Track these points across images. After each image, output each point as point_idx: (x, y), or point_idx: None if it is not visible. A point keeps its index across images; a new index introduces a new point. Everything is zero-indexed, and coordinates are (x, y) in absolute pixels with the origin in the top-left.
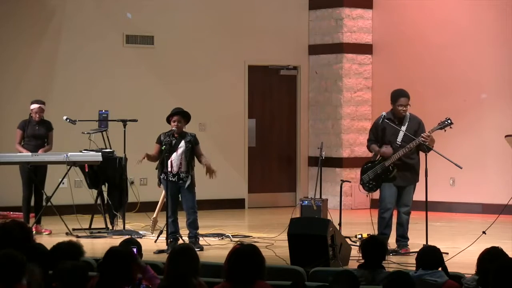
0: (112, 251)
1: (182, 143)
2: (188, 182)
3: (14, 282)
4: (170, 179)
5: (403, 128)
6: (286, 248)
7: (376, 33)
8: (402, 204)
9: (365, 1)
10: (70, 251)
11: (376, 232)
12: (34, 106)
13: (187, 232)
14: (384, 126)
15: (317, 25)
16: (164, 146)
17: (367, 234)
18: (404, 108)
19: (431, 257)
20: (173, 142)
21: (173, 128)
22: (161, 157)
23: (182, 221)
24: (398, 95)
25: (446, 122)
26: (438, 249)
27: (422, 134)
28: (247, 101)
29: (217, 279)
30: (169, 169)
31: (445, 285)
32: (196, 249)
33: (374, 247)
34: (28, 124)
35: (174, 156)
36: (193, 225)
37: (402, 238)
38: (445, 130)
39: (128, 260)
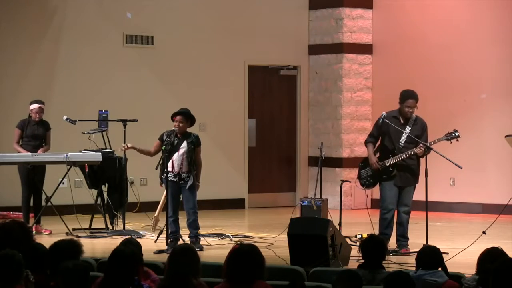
0: (117, 251)
1: (184, 144)
2: (189, 183)
3: (12, 283)
4: (171, 179)
5: (407, 129)
6: (286, 248)
7: (376, 33)
8: (402, 204)
9: (365, 1)
10: (69, 249)
11: (377, 232)
12: (34, 106)
13: (188, 232)
14: (385, 127)
15: (317, 25)
16: (164, 146)
17: (367, 234)
18: (411, 110)
19: (431, 257)
20: (175, 142)
21: (174, 128)
22: (161, 157)
23: (182, 221)
24: (407, 96)
25: (453, 134)
26: (438, 249)
27: (420, 146)
28: (247, 101)
29: (217, 279)
30: (170, 169)
31: (445, 285)
32: (196, 249)
33: (373, 247)
34: (27, 124)
35: (176, 156)
36: (193, 225)
37: (402, 238)
38: (451, 142)
39: (134, 262)
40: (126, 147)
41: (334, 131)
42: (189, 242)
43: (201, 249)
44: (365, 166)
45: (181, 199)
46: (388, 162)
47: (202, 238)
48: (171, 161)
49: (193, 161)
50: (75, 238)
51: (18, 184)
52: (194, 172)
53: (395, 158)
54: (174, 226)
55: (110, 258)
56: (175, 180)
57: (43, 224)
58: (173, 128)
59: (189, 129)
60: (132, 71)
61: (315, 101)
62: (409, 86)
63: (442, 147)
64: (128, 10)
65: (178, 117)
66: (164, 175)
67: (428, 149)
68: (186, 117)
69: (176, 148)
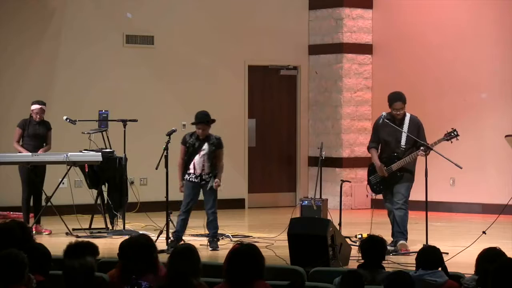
0: (132, 239)
1: (206, 146)
2: (210, 183)
3: (14, 283)
4: (193, 179)
5: (405, 129)
6: (286, 248)
7: (376, 33)
8: (394, 202)
9: (365, 1)
10: (87, 250)
11: (376, 232)
12: (35, 106)
13: (190, 232)
14: (385, 127)
15: (317, 25)
16: (164, 146)
17: (367, 234)
18: (398, 112)
19: (431, 257)
20: (197, 144)
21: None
22: (161, 157)
23: (190, 221)
24: (393, 99)
25: (452, 134)
26: (438, 249)
27: (421, 149)
28: (247, 101)
29: (217, 279)
30: (192, 170)
31: (445, 285)
32: (210, 249)
33: (373, 247)
34: (28, 124)
35: (197, 158)
36: (211, 225)
37: (399, 234)
38: (451, 142)
39: (149, 248)
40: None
41: (334, 131)
42: (207, 240)
43: (215, 249)
44: (373, 172)
45: (202, 198)
46: (395, 167)
47: (203, 238)
48: (192, 163)
49: (213, 163)
50: (91, 241)
51: (18, 184)
52: (215, 172)
53: (401, 162)
54: (180, 225)
55: (125, 245)
56: (196, 181)
57: (43, 224)
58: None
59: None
60: (132, 71)
61: (315, 101)
62: (408, 86)
63: (442, 147)
64: (128, 10)
65: (199, 126)
66: (186, 176)
67: (427, 149)
68: (206, 123)
69: (198, 150)
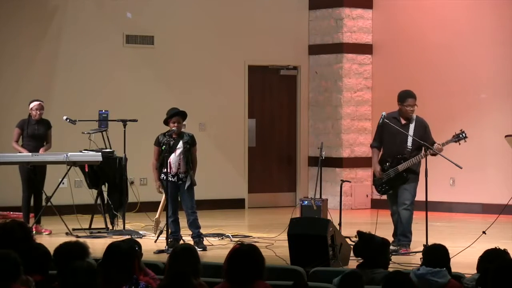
0: (113, 245)
1: (180, 144)
2: (187, 183)
3: (8, 282)
4: (170, 179)
5: (411, 131)
6: (286, 248)
7: (376, 33)
8: (399, 203)
9: (365, 1)
10: (77, 251)
11: (376, 233)
12: (34, 103)
13: (190, 232)
14: (386, 128)
15: (317, 25)
16: (164, 147)
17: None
18: (412, 109)
19: (437, 255)
20: (171, 143)
21: (173, 129)
22: (161, 158)
23: (182, 221)
24: (406, 96)
25: (460, 136)
26: (446, 249)
27: (429, 150)
28: (247, 101)
29: (217, 279)
30: (168, 169)
31: (448, 285)
32: (199, 249)
33: (365, 245)
34: (27, 124)
35: (173, 157)
36: (193, 225)
37: (402, 236)
38: (459, 143)
39: (130, 255)
40: (159, 187)
41: (334, 131)
42: (192, 242)
43: (204, 249)
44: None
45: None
46: (401, 168)
47: (205, 239)
48: (168, 161)
49: (189, 161)
50: (81, 240)
51: (18, 184)
52: (191, 171)
53: (408, 163)
54: (174, 226)
55: (106, 252)
56: (173, 180)
57: (43, 224)
58: (173, 129)
59: (186, 129)
60: (132, 71)
61: (315, 101)
62: (409, 86)
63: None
64: (128, 10)
65: (174, 119)
66: (163, 176)
67: (427, 149)
68: (182, 116)
69: (173, 149)
